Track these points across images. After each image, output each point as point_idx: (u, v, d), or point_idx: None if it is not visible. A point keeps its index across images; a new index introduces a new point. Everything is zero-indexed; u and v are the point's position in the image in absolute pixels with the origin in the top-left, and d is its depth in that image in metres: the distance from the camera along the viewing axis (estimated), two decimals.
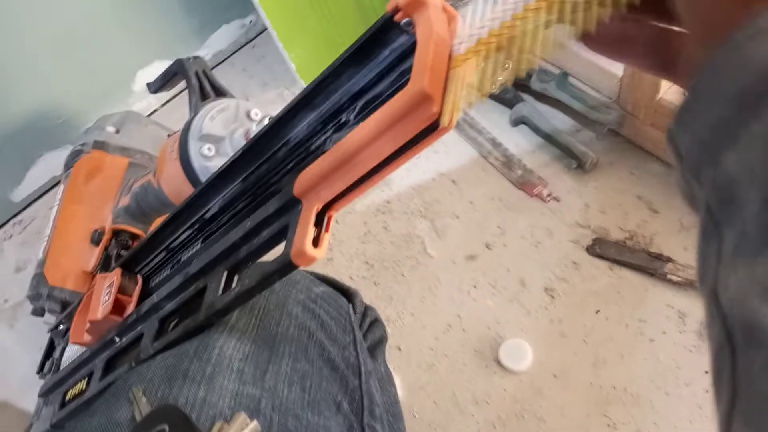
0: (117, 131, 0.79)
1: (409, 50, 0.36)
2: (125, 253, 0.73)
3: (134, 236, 0.74)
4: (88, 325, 0.56)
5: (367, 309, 0.60)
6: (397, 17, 0.35)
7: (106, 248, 0.73)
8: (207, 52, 1.16)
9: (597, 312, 0.76)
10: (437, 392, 0.71)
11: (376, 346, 0.58)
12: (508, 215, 0.82)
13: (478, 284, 0.79)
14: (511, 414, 0.69)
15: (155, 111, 1.12)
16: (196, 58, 0.54)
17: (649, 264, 0.79)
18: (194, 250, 0.53)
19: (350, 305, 0.56)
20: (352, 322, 0.52)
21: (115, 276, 0.55)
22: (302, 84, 1.04)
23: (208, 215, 0.50)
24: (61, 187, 0.79)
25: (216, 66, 1.18)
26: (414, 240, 0.83)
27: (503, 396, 0.70)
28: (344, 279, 0.81)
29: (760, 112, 0.18)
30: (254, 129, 0.50)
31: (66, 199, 0.76)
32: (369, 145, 0.34)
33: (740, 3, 0.19)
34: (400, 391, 0.71)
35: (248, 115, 0.52)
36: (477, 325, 0.76)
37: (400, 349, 0.75)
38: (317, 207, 0.37)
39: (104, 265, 0.73)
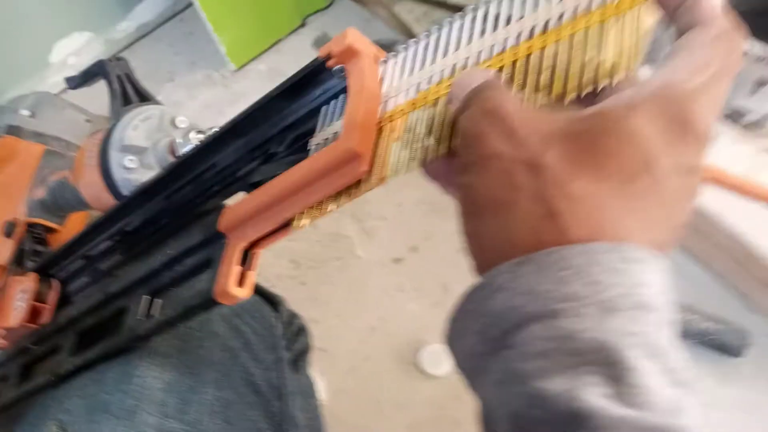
0: (32, 115, 0.76)
1: (341, 92, 0.37)
2: (40, 248, 0.72)
3: (49, 230, 0.72)
4: (1, 331, 0.55)
5: (293, 317, 0.61)
6: (329, 63, 0.36)
7: (19, 242, 0.71)
8: (131, 24, 1.12)
9: None
10: (359, 395, 0.73)
11: (300, 357, 0.60)
12: (435, 219, 0.84)
13: (404, 288, 0.82)
14: (430, 417, 0.72)
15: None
16: (119, 59, 0.52)
17: None
18: (114, 260, 0.53)
19: (275, 314, 0.57)
20: (276, 338, 0.54)
21: (30, 282, 0.55)
22: (232, 67, 1.02)
23: (129, 228, 0.50)
24: None
25: (139, 39, 1.14)
26: (342, 240, 0.85)
27: (423, 400, 0.73)
28: (270, 277, 0.82)
29: (496, 352, 0.23)
30: (180, 140, 0.49)
31: None
32: (297, 192, 0.35)
33: (494, 259, 0.24)
34: (322, 394, 0.73)
35: (173, 123, 0.52)
36: (400, 328, 0.79)
37: (324, 350, 0.76)
38: (242, 245, 0.37)
39: (17, 260, 0.71)
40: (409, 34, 0.94)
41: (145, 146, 0.49)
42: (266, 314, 0.56)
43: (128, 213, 0.48)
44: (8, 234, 0.71)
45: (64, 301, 0.56)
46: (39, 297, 0.55)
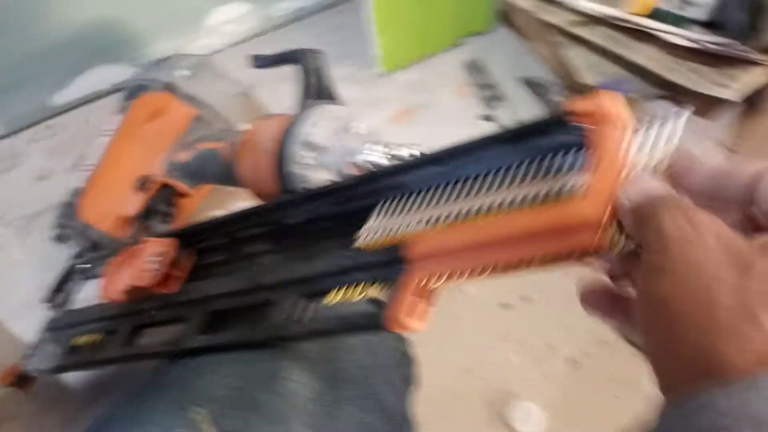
0: (190, 77, 0.79)
1: (570, 147, 0.36)
2: (169, 210, 0.74)
3: (182, 194, 0.75)
4: (127, 286, 0.57)
5: (407, 344, 0.61)
6: (570, 118, 0.35)
7: (150, 198, 0.73)
8: (291, 5, 1.15)
9: (615, 397, 0.78)
10: None
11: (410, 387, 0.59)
12: (556, 273, 0.82)
13: (507, 337, 0.80)
14: None
15: (219, 50, 1.12)
16: (317, 52, 0.53)
17: None
18: (259, 247, 0.54)
19: (400, 337, 0.57)
20: (404, 363, 0.53)
21: (169, 247, 0.56)
22: (378, 70, 1.03)
23: (287, 221, 0.50)
24: (116, 118, 0.78)
25: (293, 22, 1.16)
26: None
27: None
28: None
29: None
30: (362, 148, 0.50)
31: (120, 135, 0.76)
32: (507, 242, 0.34)
33: (692, 375, 0.22)
34: None
35: (354, 128, 0.52)
36: (495, 376, 0.77)
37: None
38: (426, 278, 0.37)
39: (145, 216, 0.73)
40: (570, 81, 0.93)
41: (326, 146, 0.50)
42: (394, 336, 0.56)
43: (296, 207, 0.49)
44: (141, 188, 0.73)
45: (194, 273, 0.57)
46: (174, 264, 0.56)
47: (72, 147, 1.01)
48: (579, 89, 0.89)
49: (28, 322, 0.80)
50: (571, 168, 0.35)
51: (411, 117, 0.99)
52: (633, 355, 0.78)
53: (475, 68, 1.04)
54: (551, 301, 0.83)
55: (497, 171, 0.38)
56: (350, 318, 0.40)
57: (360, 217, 0.45)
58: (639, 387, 0.78)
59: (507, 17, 1.10)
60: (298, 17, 1.17)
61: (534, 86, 1.00)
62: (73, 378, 0.75)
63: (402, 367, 0.55)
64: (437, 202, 0.40)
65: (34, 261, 0.88)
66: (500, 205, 0.36)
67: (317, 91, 0.53)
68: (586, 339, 0.81)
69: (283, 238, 0.52)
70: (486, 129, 0.94)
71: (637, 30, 0.84)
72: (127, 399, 0.47)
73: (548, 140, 0.37)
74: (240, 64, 0.86)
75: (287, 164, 0.50)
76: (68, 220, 0.73)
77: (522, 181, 0.36)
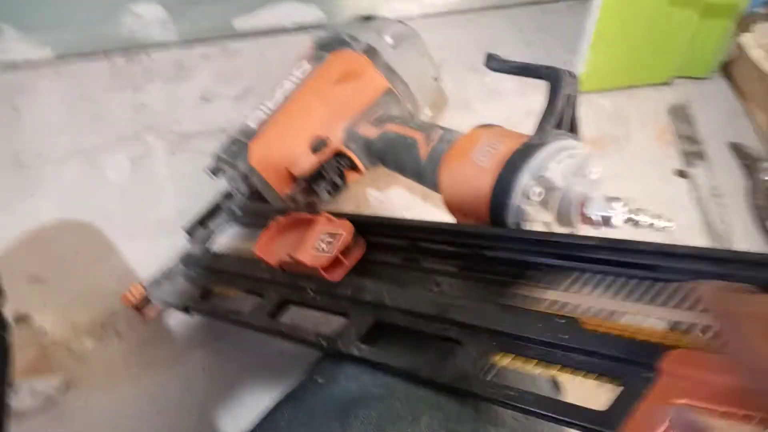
0: (393, 46, 0.75)
1: None
2: (338, 181, 0.72)
3: (355, 167, 0.72)
4: (289, 257, 0.55)
5: None
6: None
7: (322, 163, 0.71)
8: None
9: None
10: None
11: None
12: None
13: None
14: None
15: (412, 18, 1.08)
16: (573, 75, 0.49)
17: None
18: (442, 267, 0.50)
19: None
20: None
21: (344, 231, 0.53)
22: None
23: (486, 254, 0.46)
24: (306, 66, 0.76)
25: (492, 9, 1.11)
26: None
27: None
28: None
29: None
30: (597, 200, 0.45)
31: (308, 88, 0.74)
32: None
33: None
34: None
35: (589, 172, 0.47)
36: None
37: None
38: (677, 401, 0.32)
39: (312, 180, 0.71)
40: None
41: (559, 186, 0.45)
42: None
43: (497, 240, 0.45)
44: (314, 150, 0.71)
45: (360, 265, 0.54)
46: (346, 251, 0.53)
47: (241, 76, 1.00)
48: None
49: (157, 243, 0.80)
50: None
51: (600, 148, 0.92)
52: None
53: (681, 115, 0.96)
54: None
55: None
56: (564, 406, 0.36)
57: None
58: None
59: (728, 68, 1.01)
60: (499, 5, 1.11)
61: (742, 155, 0.91)
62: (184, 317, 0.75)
63: None
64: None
65: (176, 182, 0.88)
66: None
67: (562, 119, 0.48)
68: None
69: (474, 268, 0.48)
70: (678, 186, 0.88)
71: None
72: (292, 404, 0.45)
73: None
74: (431, 39, 0.82)
75: (509, 194, 0.46)
76: (233, 158, 0.72)
77: None
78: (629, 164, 0.90)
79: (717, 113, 0.98)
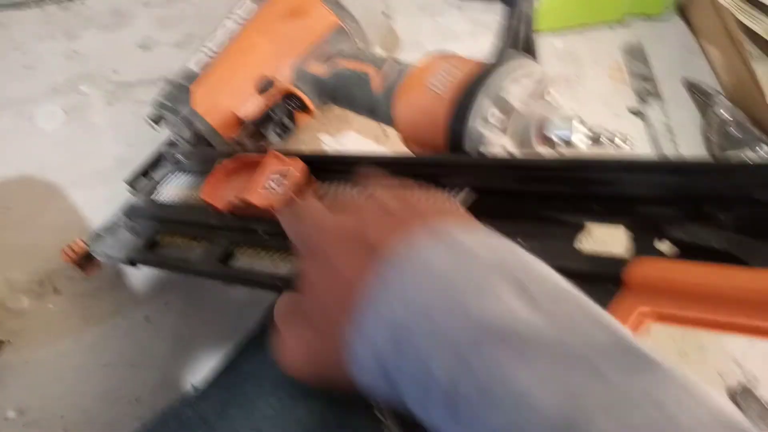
0: None
1: None
2: (287, 123, 0.70)
3: (305, 107, 0.70)
4: (238, 200, 0.53)
5: None
6: None
7: (270, 105, 0.69)
8: None
9: None
10: None
11: None
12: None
13: None
14: None
15: None
16: None
17: None
18: None
19: None
20: None
21: (295, 169, 0.52)
22: None
23: (443, 182, 0.45)
24: (250, 5, 0.73)
25: None
26: None
27: None
28: None
29: None
30: (557, 122, 0.44)
31: (252, 26, 0.71)
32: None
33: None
34: None
35: (548, 95, 0.46)
36: None
37: None
38: (643, 311, 0.32)
39: (259, 123, 0.69)
40: (748, 101, 0.85)
41: (517, 108, 0.44)
42: None
43: (456, 167, 0.44)
44: (261, 91, 0.69)
45: None
46: (296, 190, 0.52)
47: (183, 22, 0.96)
48: (758, 113, 0.81)
49: (96, 195, 0.77)
50: None
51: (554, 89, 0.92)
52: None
53: (635, 54, 0.96)
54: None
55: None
56: None
57: (549, 205, 0.40)
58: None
59: (683, 5, 1.01)
60: None
61: (696, 92, 0.92)
62: (128, 270, 0.73)
63: None
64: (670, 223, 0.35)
65: (115, 132, 0.85)
66: None
67: (520, 41, 0.47)
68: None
69: None
70: (632, 123, 0.88)
71: None
72: (255, 347, 0.43)
73: None
74: None
75: (469, 118, 0.45)
76: (174, 103, 0.69)
77: None
78: (583, 103, 0.90)
79: (672, 51, 0.99)
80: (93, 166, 0.82)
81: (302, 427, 0.36)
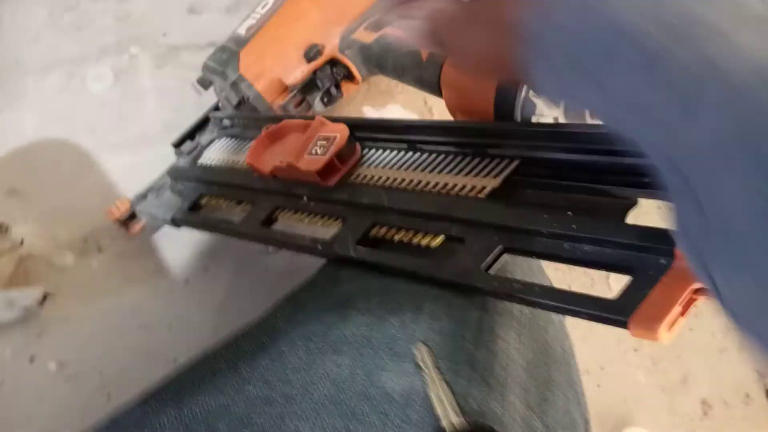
0: None
1: None
2: (333, 91, 0.70)
3: (351, 76, 0.70)
4: (282, 163, 0.53)
5: None
6: None
7: (315, 71, 0.69)
8: None
9: None
10: None
11: None
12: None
13: (641, 350, 0.75)
14: None
15: None
16: None
17: None
18: (441, 164, 0.48)
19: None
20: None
21: (339, 134, 0.52)
22: None
23: (490, 152, 0.45)
24: None
25: None
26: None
27: None
28: None
29: None
30: None
31: None
32: None
33: None
34: None
35: None
36: (615, 392, 0.73)
37: None
38: (696, 286, 0.31)
39: (305, 89, 0.69)
40: None
41: None
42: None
43: (502, 135, 0.43)
44: (309, 58, 0.69)
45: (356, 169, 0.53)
46: (340, 156, 0.51)
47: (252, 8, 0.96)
48: None
49: (141, 158, 0.78)
50: None
51: None
52: None
53: None
54: (701, 329, 0.76)
55: None
56: (572, 296, 0.34)
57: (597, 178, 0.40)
58: None
59: None
60: None
61: None
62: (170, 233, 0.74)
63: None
64: None
65: (162, 95, 0.86)
66: None
67: None
68: (726, 383, 0.75)
69: (477, 166, 0.46)
70: None
71: None
72: (290, 305, 0.44)
73: None
74: None
75: (518, 87, 0.44)
76: (223, 66, 0.69)
77: None
78: None
79: None
80: (140, 129, 0.83)
81: (330, 380, 0.36)
